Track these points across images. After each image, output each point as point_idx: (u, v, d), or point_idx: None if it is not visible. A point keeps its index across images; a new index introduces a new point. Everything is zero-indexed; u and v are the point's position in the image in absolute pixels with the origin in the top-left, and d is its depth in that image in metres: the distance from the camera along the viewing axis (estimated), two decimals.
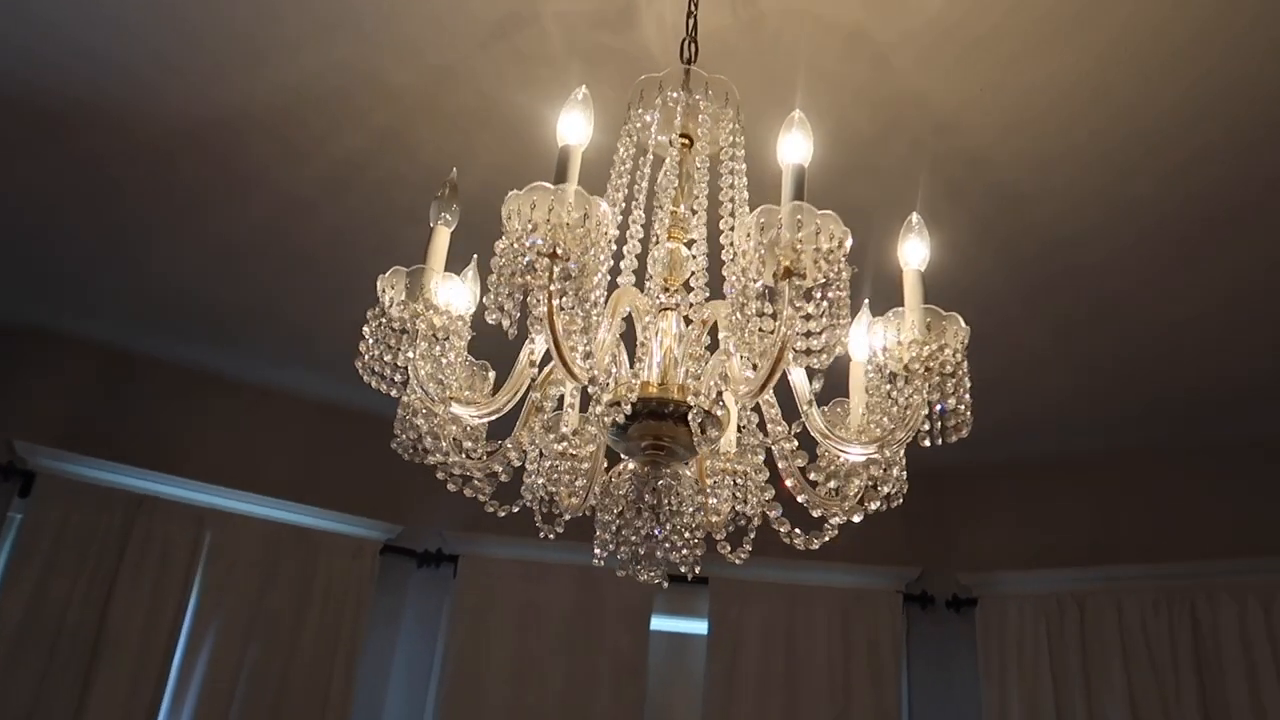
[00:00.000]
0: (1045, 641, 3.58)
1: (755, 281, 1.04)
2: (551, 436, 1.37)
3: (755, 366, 1.09)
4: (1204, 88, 2.01)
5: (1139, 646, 3.43)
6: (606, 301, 1.19)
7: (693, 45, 1.61)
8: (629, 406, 1.13)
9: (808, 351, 1.05)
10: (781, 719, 3.64)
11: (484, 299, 1.07)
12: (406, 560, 3.96)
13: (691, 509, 1.26)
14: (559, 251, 1.03)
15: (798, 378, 1.22)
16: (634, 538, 1.24)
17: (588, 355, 1.07)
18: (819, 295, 1.03)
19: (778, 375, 1.07)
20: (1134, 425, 3.59)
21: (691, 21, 1.65)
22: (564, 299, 1.04)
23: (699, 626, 3.85)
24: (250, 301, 3.29)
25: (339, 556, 3.80)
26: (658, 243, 1.43)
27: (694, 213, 1.45)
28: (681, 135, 1.51)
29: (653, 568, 1.27)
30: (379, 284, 1.28)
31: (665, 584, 1.33)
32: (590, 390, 1.17)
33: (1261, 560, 3.38)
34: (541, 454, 1.42)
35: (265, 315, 3.38)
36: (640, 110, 1.50)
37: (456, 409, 1.23)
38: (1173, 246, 2.56)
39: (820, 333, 1.03)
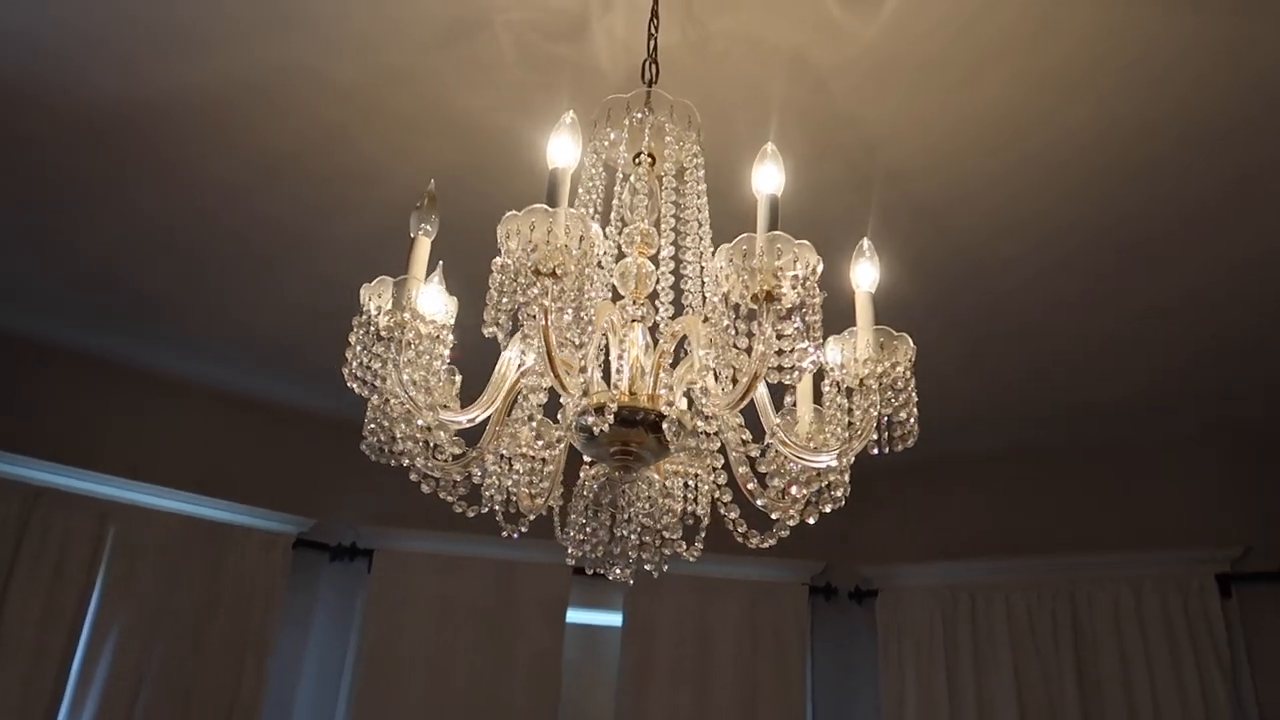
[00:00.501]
0: (940, 629, 3.81)
1: (735, 304, 1.13)
2: (521, 440, 1.43)
3: (733, 381, 1.18)
4: (1124, 125, 2.19)
5: (1024, 632, 3.69)
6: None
7: (653, 66, 1.69)
8: (610, 416, 1.20)
9: (781, 369, 1.14)
10: (692, 707, 3.76)
11: (485, 314, 1.12)
12: (319, 554, 3.93)
13: (659, 511, 1.34)
14: (557, 271, 1.10)
15: (765, 392, 1.31)
16: (605, 537, 1.31)
17: (583, 370, 1.14)
18: (795, 317, 1.12)
19: (755, 390, 1.16)
20: (1026, 431, 3.84)
21: (652, 43, 1.73)
22: (560, 316, 1.10)
23: (613, 619, 3.94)
24: (162, 291, 3.21)
25: (250, 551, 3.74)
26: (622, 257, 1.51)
27: (657, 228, 1.53)
28: (643, 154, 1.58)
29: (623, 566, 1.35)
30: (363, 293, 1.31)
31: (631, 581, 1.40)
32: (569, 399, 1.23)
33: (1132, 554, 3.67)
34: (504, 456, 1.48)
35: (177, 306, 3.29)
36: (608, 129, 1.56)
37: (444, 415, 1.27)
38: (1084, 273, 2.76)
39: (793, 351, 1.12)
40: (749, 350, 1.15)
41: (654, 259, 1.50)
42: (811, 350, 1.13)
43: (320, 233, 2.83)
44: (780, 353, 1.14)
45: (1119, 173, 2.36)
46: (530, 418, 1.24)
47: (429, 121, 2.34)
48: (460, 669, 3.73)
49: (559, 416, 1.40)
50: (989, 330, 3.13)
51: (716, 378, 1.20)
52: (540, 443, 1.36)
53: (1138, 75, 2.04)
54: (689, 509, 1.52)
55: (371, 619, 3.78)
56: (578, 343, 1.13)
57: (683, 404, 1.36)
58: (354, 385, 1.27)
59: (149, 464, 3.67)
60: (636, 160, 1.58)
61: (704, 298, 1.44)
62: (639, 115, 1.57)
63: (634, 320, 1.40)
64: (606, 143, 1.57)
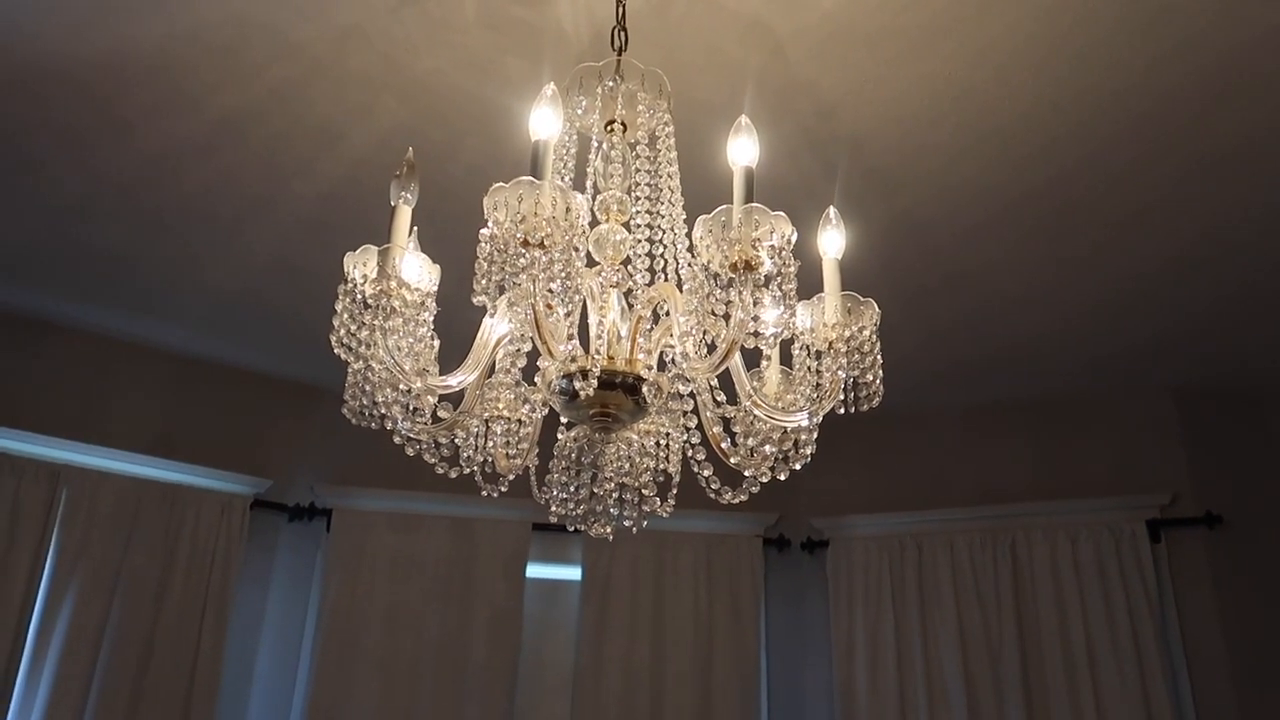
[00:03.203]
0: (887, 577, 3.96)
1: (714, 273, 1.18)
2: (501, 404, 1.47)
3: (709, 346, 1.23)
4: (1054, 94, 2.28)
5: (967, 579, 3.86)
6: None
7: (623, 34, 1.71)
8: (595, 380, 1.25)
9: (757, 334, 1.20)
10: (651, 657, 3.87)
11: (474, 283, 1.15)
12: (277, 515, 3.94)
13: (636, 470, 1.39)
14: (545, 243, 1.14)
15: (738, 356, 1.37)
16: (586, 495, 1.37)
17: (570, 337, 1.19)
18: (770, 285, 1.18)
19: (734, 355, 1.22)
20: (965, 383, 3.98)
21: (621, 10, 1.75)
22: (548, 285, 1.14)
23: (572, 573, 4.02)
24: (119, 251, 3.15)
25: (206, 512, 3.73)
26: (595, 224, 1.54)
27: (629, 195, 1.57)
28: (615, 122, 1.62)
29: (604, 523, 1.40)
30: (347, 261, 1.33)
31: (610, 536, 1.46)
32: (553, 364, 1.27)
33: (1069, 502, 3.85)
34: (483, 419, 1.52)
35: (133, 266, 3.24)
36: (580, 97, 1.59)
37: (431, 381, 1.31)
38: (1023, 234, 2.87)
39: (769, 318, 1.18)
40: (726, 317, 1.20)
41: (626, 225, 1.54)
42: (786, 316, 1.19)
43: (279, 192, 2.81)
44: (756, 319, 1.19)
45: (1059, 140, 2.45)
46: (517, 383, 1.28)
47: (389, 81, 2.33)
48: (421, 625, 3.79)
49: (537, 380, 1.45)
50: (932, 288, 3.23)
51: (693, 343, 1.25)
52: (526, 406, 1.40)
53: (1073, 47, 2.12)
54: (661, 467, 1.58)
55: (331, 578, 3.80)
56: (564, 311, 1.17)
57: (658, 367, 1.41)
58: (340, 352, 1.29)
59: (102, 426, 3.63)
60: (608, 128, 1.61)
61: (678, 264, 1.49)
62: (610, 84, 1.60)
63: (610, 286, 1.44)
64: (580, 110, 1.60)
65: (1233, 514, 3.69)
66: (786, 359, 1.51)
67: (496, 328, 1.39)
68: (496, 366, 1.45)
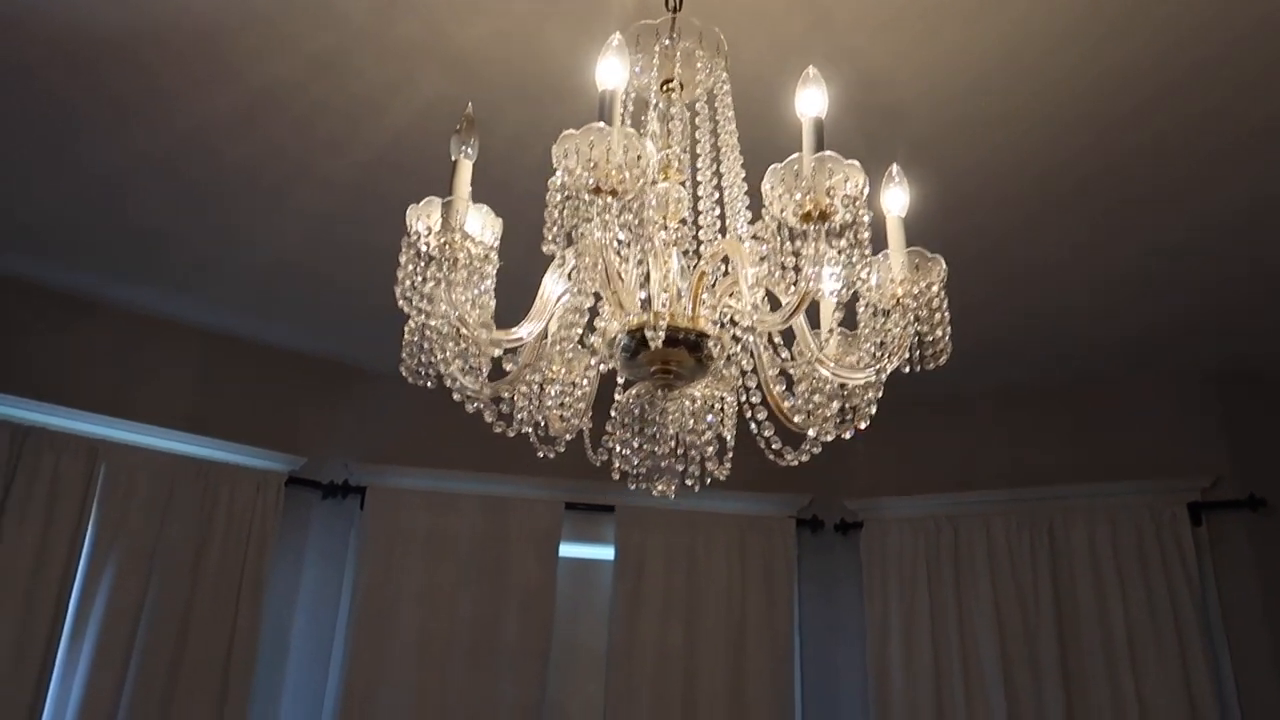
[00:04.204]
0: (922, 559, 3.93)
1: (785, 224, 1.16)
2: (557, 364, 1.46)
3: (771, 301, 1.21)
4: (1097, 60, 2.24)
5: (1003, 562, 3.82)
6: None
7: None
8: (661, 333, 1.23)
9: (832, 287, 1.18)
10: (683, 637, 3.86)
11: (544, 232, 1.14)
12: (311, 492, 3.95)
13: (698, 428, 1.38)
14: (616, 189, 1.12)
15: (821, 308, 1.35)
16: (648, 454, 1.35)
17: (644, 288, 1.17)
18: (844, 235, 1.15)
19: (804, 306, 1.19)
20: (1001, 364, 3.93)
21: None
22: (618, 233, 1.12)
23: (605, 552, 4.01)
24: (160, 226, 3.16)
25: (241, 489, 3.75)
26: (654, 182, 1.52)
27: (686, 152, 1.55)
28: (671, 81, 1.59)
29: (667, 480, 1.39)
30: (409, 213, 1.32)
31: (673, 494, 1.44)
32: (616, 319, 1.26)
33: (1108, 485, 3.80)
34: (542, 385, 1.51)
35: (173, 240, 3.25)
36: (636, 55, 1.57)
37: (497, 334, 1.30)
38: (1071, 215, 2.83)
39: (843, 268, 1.16)
40: (797, 269, 1.18)
41: (684, 184, 1.52)
42: (859, 267, 1.17)
43: (322, 165, 2.80)
44: (827, 270, 1.17)
45: (1107, 117, 2.41)
46: (580, 341, 1.26)
47: (432, 49, 2.32)
48: (454, 604, 3.79)
49: (595, 342, 1.43)
50: (969, 263, 3.18)
51: (760, 297, 1.23)
52: (594, 359, 1.38)
53: (1116, 10, 2.08)
54: (719, 430, 1.56)
55: (365, 556, 3.81)
56: (636, 260, 1.16)
57: (720, 324, 1.39)
58: (403, 305, 1.28)
59: (138, 403, 3.65)
60: (665, 88, 1.59)
61: (738, 222, 1.47)
62: (667, 41, 1.57)
63: (670, 244, 1.42)
64: (636, 70, 1.58)
65: (1277, 497, 3.63)
66: (844, 322, 1.49)
67: (558, 285, 1.38)
68: (555, 325, 1.43)
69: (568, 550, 3.99)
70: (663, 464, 1.36)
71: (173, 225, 3.14)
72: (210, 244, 3.25)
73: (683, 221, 1.50)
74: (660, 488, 1.40)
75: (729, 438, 1.59)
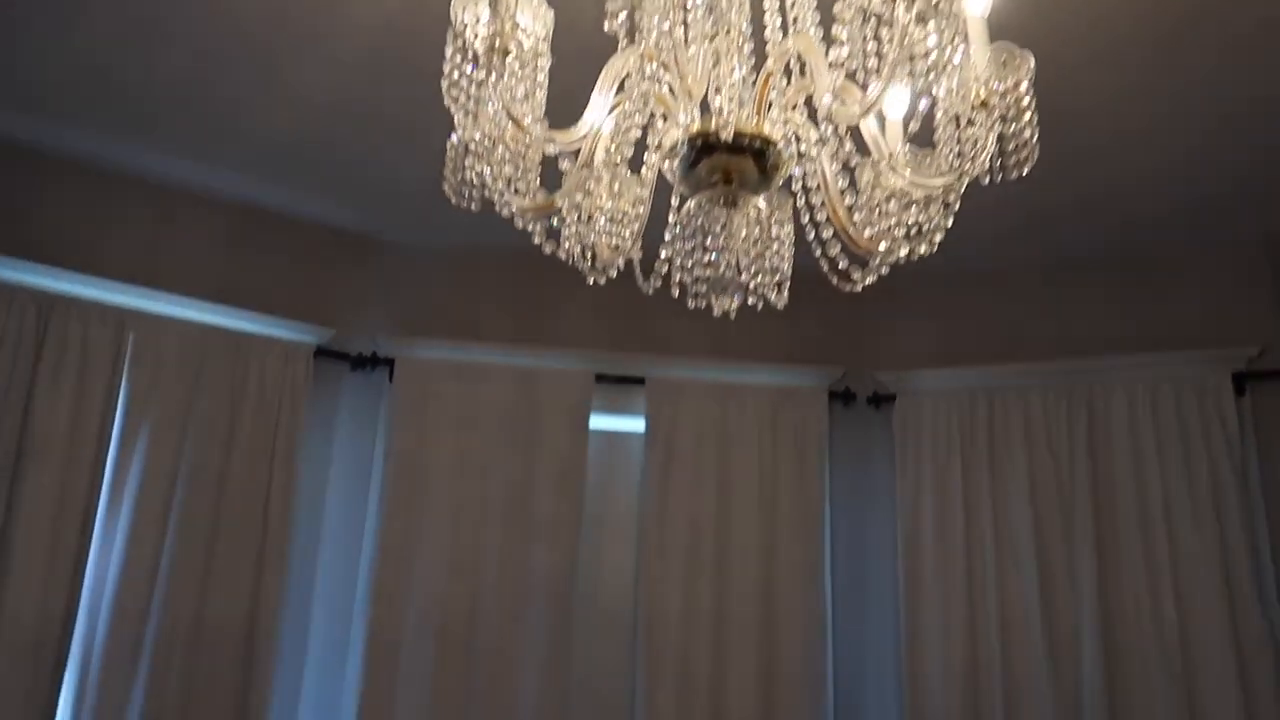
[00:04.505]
0: (956, 432, 3.89)
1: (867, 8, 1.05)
2: (605, 187, 1.38)
3: (863, 88, 1.12)
4: None
5: (1040, 435, 3.78)
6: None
7: None
8: (729, 129, 1.14)
9: (914, 73, 1.08)
10: (715, 509, 3.86)
11: (607, 5, 1.04)
12: (339, 364, 3.92)
13: (761, 244, 1.30)
14: None
15: (873, 122, 1.25)
16: (707, 264, 1.28)
17: (718, 90, 1.07)
18: (932, 15, 1.05)
19: (883, 100, 1.10)
20: (1044, 235, 3.81)
21: None
22: (683, 13, 1.03)
23: (636, 424, 3.99)
24: (169, 91, 3.05)
25: (270, 361, 3.72)
26: None
27: None
28: None
29: (732, 294, 1.32)
30: (454, 6, 1.22)
31: (733, 314, 1.37)
32: (680, 123, 1.17)
33: (1150, 356, 3.72)
34: (591, 213, 1.43)
35: (185, 106, 3.14)
36: None
37: (555, 133, 1.21)
38: (1125, 69, 2.66)
39: (933, 51, 1.06)
40: (879, 55, 1.09)
41: None
42: (947, 51, 1.07)
43: (333, 23, 2.65)
44: (913, 57, 1.07)
45: None
46: (631, 166, 1.18)
47: None
48: (487, 474, 3.80)
49: (650, 158, 1.35)
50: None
51: (837, 82, 1.13)
52: (650, 171, 1.29)
53: None
54: (776, 264, 1.48)
55: (396, 426, 3.81)
56: (701, 59, 1.06)
57: (785, 131, 1.30)
58: (450, 106, 1.20)
59: (164, 273, 3.60)
60: None
61: (809, 20, 1.35)
62: None
63: (735, 47, 1.32)
64: None
65: None
66: (916, 140, 1.39)
67: (609, 97, 1.28)
68: (607, 141, 1.34)
69: (598, 422, 3.97)
70: (724, 279, 1.28)
71: (191, 85, 3.02)
72: (229, 106, 3.13)
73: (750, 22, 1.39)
74: (722, 304, 1.33)
75: (788, 265, 1.51)
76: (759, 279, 1.30)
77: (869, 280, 1.38)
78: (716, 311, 1.35)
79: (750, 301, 1.35)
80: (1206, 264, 3.79)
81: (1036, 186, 3.36)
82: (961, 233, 3.69)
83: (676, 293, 1.35)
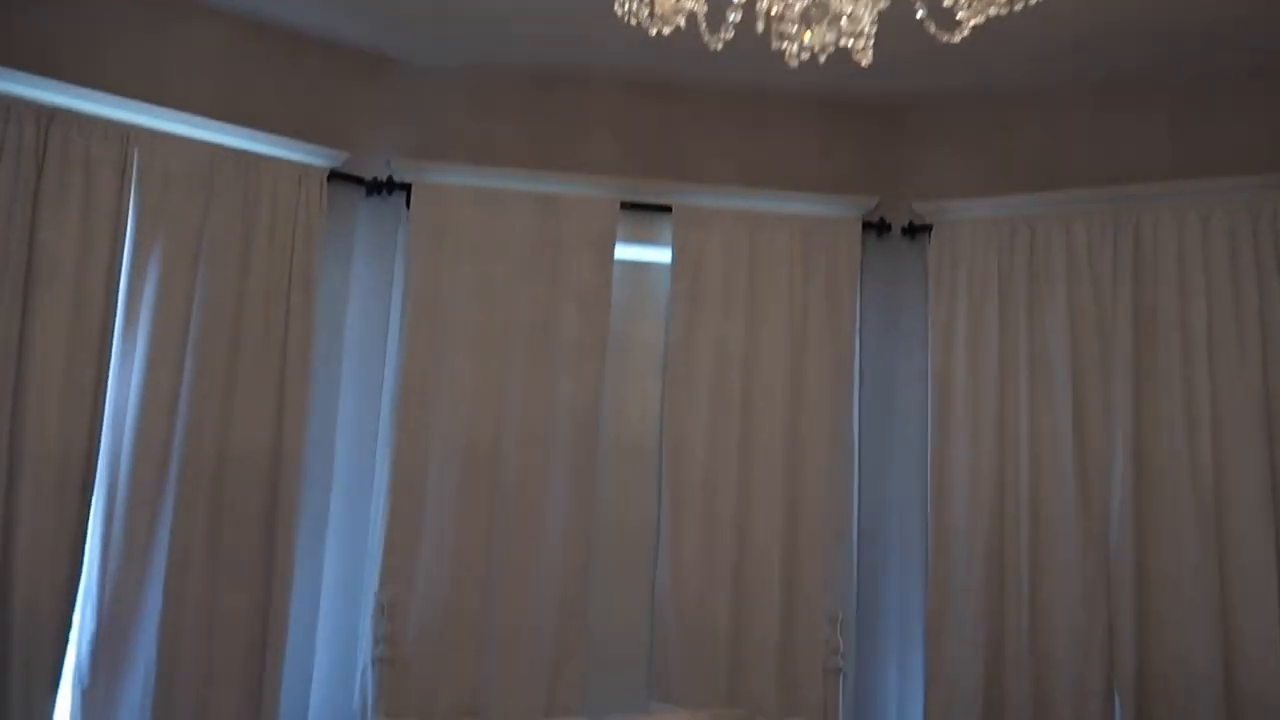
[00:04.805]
0: (994, 263, 3.76)
1: None
2: None
3: None
4: None
5: (1082, 264, 3.64)
6: None
7: None
8: None
9: None
10: (743, 341, 3.77)
11: None
12: (354, 188, 3.76)
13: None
14: None
15: None
16: None
17: None
18: None
19: None
20: (1094, 55, 3.57)
21: None
22: None
23: (662, 255, 3.86)
24: None
25: (283, 183, 3.55)
26: None
27: None
28: None
29: (820, 27, 1.16)
30: None
31: (822, 59, 1.22)
32: None
33: (1203, 181, 3.55)
34: None
35: None
36: None
37: None
38: None
39: None
40: None
41: None
42: None
43: None
44: None
45: None
46: None
47: None
48: (510, 303, 3.69)
49: None
50: None
51: None
52: None
53: None
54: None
55: (414, 254, 3.67)
56: None
57: None
58: None
59: (167, 88, 3.39)
60: None
61: None
62: None
63: None
64: None
65: None
66: None
67: None
68: None
69: (623, 253, 3.83)
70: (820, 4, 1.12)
71: None
72: None
73: None
74: (816, 37, 1.17)
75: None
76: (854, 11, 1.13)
77: (962, 35, 1.21)
78: (807, 41, 1.18)
79: (840, 44, 1.19)
80: (1262, 84, 3.56)
81: (1085, 1, 3.14)
82: (1006, 52, 3.51)
83: (761, 26, 1.19)
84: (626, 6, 1.33)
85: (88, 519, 3.19)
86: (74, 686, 3.15)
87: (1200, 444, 3.42)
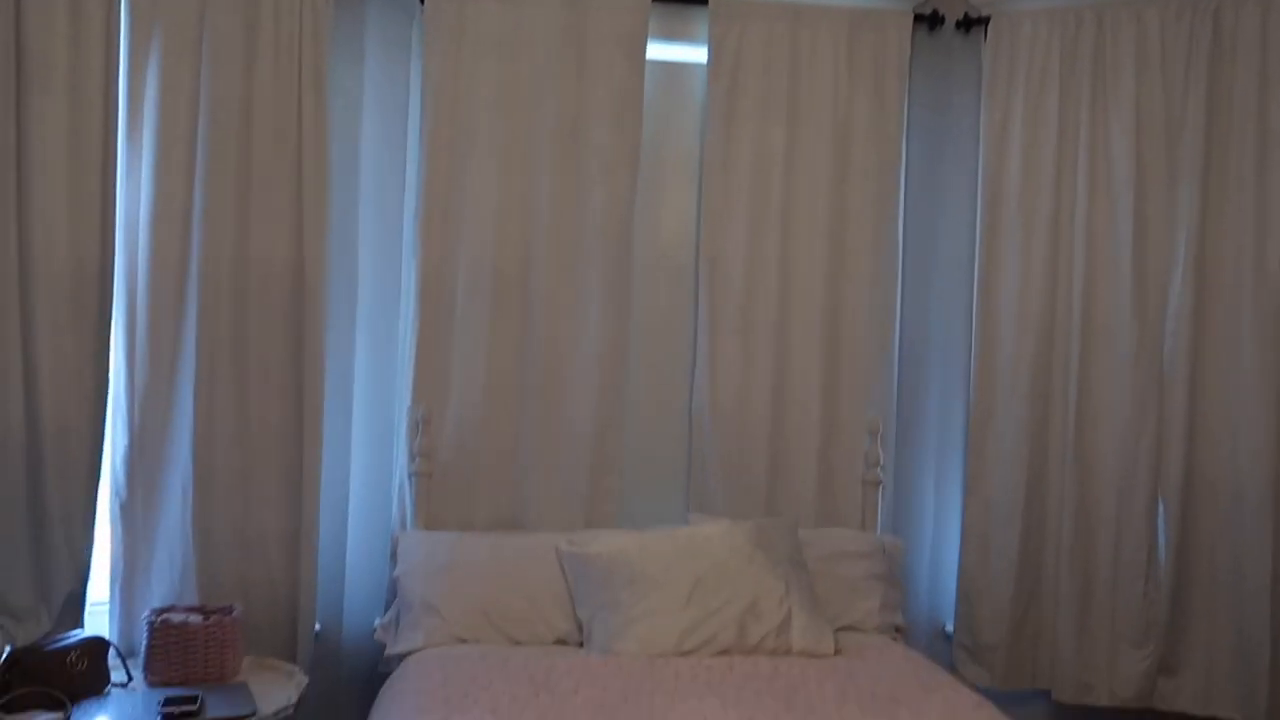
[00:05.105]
0: (1056, 57, 3.49)
1: None
2: None
3: None
4: None
5: (1154, 58, 3.39)
6: None
7: None
8: None
9: None
10: (783, 145, 3.55)
11: None
12: None
13: None
14: None
15: None
16: None
17: None
18: None
19: None
20: None
21: None
22: None
23: (698, 54, 3.59)
24: None
25: None
26: None
27: None
28: None
29: None
30: None
31: None
32: None
33: None
34: None
35: None
36: None
37: None
38: None
39: None
40: None
41: None
42: None
43: None
44: None
45: None
46: None
47: None
48: (535, 107, 3.44)
49: None
50: None
51: None
52: None
53: None
54: None
55: (431, 55, 3.39)
56: None
57: None
58: None
59: None
60: None
61: None
62: None
63: None
64: None
65: None
66: None
67: None
68: None
69: (655, 52, 3.55)
70: None
71: None
72: None
73: None
74: None
75: None
76: None
77: None
78: None
79: None
80: None
81: None
82: None
83: None
84: None
85: (109, 334, 3.11)
86: (111, 501, 3.13)
87: (1269, 252, 3.26)
